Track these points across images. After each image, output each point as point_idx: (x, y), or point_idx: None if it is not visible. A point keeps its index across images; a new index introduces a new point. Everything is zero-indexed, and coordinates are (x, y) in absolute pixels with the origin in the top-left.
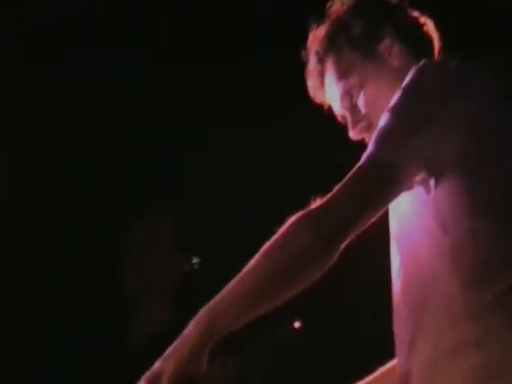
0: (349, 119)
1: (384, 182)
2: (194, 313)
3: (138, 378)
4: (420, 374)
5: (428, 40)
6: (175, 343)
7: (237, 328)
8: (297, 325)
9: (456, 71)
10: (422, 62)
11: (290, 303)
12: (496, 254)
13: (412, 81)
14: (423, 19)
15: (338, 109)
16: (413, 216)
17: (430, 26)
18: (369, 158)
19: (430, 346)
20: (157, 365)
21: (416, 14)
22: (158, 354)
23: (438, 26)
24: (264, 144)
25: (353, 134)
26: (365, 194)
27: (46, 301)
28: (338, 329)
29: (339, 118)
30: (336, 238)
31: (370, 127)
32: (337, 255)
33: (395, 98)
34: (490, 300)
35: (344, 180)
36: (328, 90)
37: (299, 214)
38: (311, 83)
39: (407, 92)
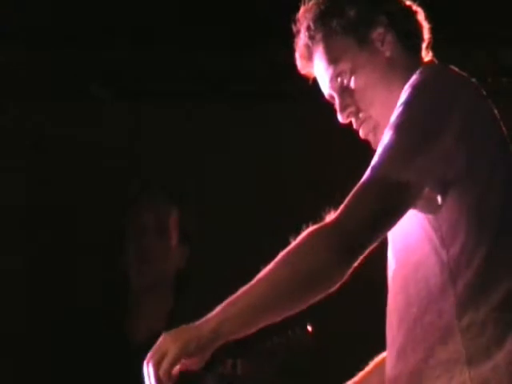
0: (337, 102)
1: (393, 202)
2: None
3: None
4: (409, 383)
5: (419, 30)
6: (184, 327)
7: (245, 334)
8: (310, 328)
9: (452, 82)
10: (420, 72)
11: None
12: (488, 270)
13: (413, 95)
14: (415, 8)
15: (326, 88)
16: (413, 227)
17: (421, 16)
18: (377, 177)
19: (421, 358)
20: (161, 340)
21: (408, 2)
22: None
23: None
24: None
25: (341, 118)
26: (376, 214)
27: (45, 297)
28: (349, 331)
29: (326, 97)
30: (350, 254)
31: (358, 112)
32: (350, 271)
33: (398, 111)
34: (482, 316)
35: (353, 195)
36: (317, 68)
37: (314, 227)
38: (300, 55)
39: (410, 107)
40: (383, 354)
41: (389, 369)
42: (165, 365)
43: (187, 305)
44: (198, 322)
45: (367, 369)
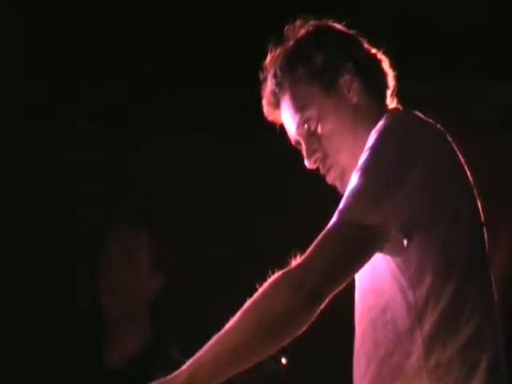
0: (304, 148)
1: (359, 245)
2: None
3: None
4: None
5: (384, 78)
6: (159, 380)
7: (221, 381)
8: (284, 360)
9: (417, 127)
10: (386, 118)
11: None
12: (455, 311)
13: (379, 140)
14: (380, 56)
15: (293, 134)
16: (380, 269)
17: (385, 64)
18: (343, 221)
19: None
20: None
21: (374, 50)
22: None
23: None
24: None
25: (308, 163)
26: (341, 258)
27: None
28: (323, 362)
29: (293, 143)
30: (315, 297)
31: (325, 158)
32: (316, 314)
33: (365, 156)
34: (449, 356)
35: (320, 239)
36: (284, 114)
37: (279, 273)
38: (266, 102)
39: (376, 152)
40: None
41: None
42: None
43: (164, 332)
44: (171, 375)
45: None
